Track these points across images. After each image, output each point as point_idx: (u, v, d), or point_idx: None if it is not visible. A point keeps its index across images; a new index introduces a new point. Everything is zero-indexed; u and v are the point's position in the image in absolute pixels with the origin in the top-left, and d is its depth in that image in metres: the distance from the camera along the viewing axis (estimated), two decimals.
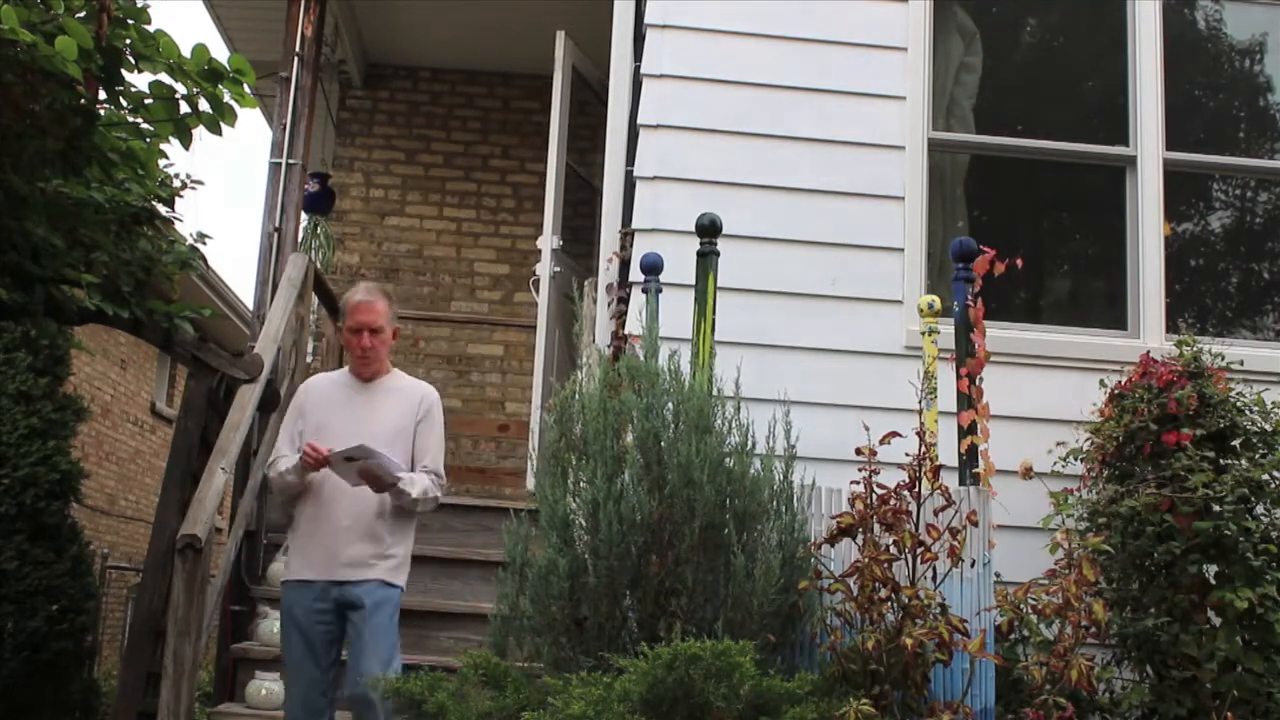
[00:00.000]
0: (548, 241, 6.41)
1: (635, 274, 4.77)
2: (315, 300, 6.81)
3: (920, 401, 4.15)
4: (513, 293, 8.76)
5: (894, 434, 3.85)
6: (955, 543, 3.77)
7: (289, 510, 4.35)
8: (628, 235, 5.20)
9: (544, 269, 6.44)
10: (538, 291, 6.52)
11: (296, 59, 6.13)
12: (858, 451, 3.87)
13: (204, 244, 4.73)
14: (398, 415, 4.28)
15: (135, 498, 12.87)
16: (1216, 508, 4.19)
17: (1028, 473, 4.47)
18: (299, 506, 4.25)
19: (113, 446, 12.29)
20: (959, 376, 4.36)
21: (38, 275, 3.93)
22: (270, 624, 5.02)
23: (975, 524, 3.91)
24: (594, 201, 7.23)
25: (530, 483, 4.91)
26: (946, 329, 4.52)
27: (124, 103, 3.67)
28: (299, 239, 6.36)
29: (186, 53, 3.55)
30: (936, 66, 5.42)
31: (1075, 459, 4.66)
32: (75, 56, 3.17)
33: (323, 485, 4.17)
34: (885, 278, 5.13)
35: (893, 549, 3.76)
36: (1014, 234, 5.78)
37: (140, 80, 3.62)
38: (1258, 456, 4.34)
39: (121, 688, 4.66)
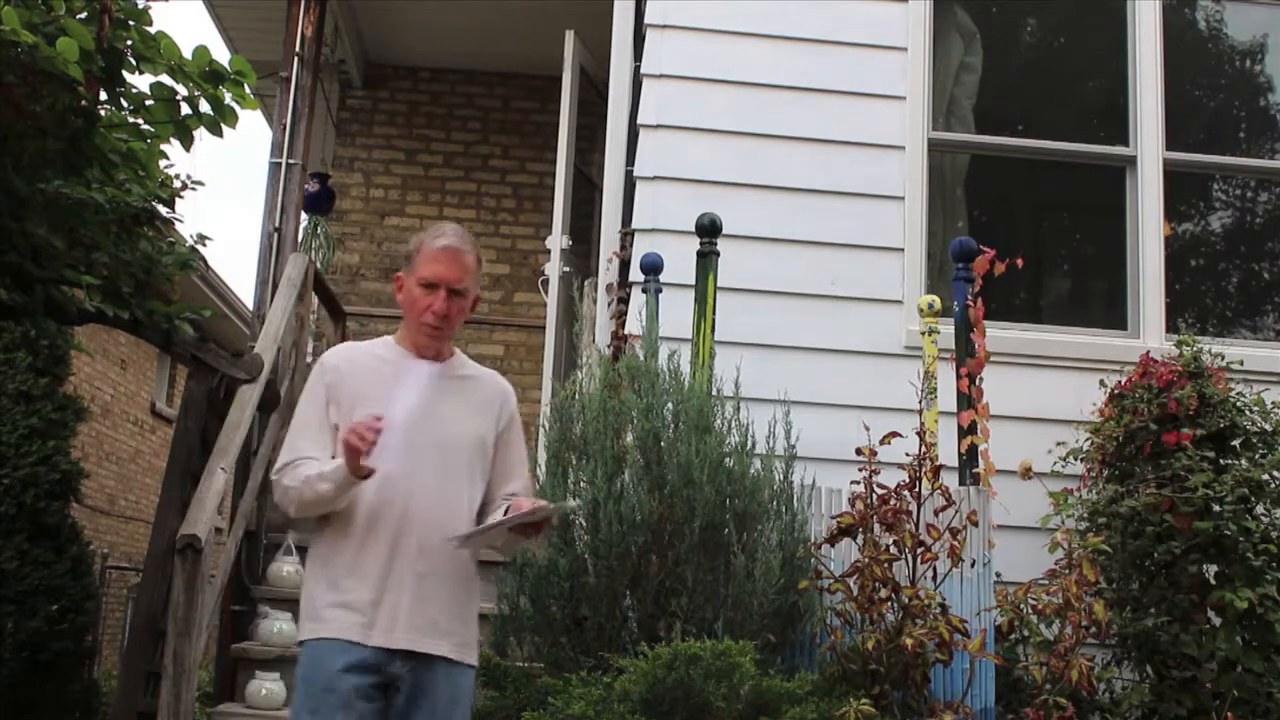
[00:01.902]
0: (557, 241, 6.40)
1: (635, 274, 4.77)
2: (315, 300, 6.81)
3: (920, 401, 4.16)
4: (513, 293, 8.77)
5: (894, 434, 3.86)
6: (955, 543, 3.77)
7: (311, 527, 3.01)
8: (628, 235, 5.20)
9: (553, 269, 6.42)
10: (546, 291, 6.50)
11: (296, 59, 6.13)
12: (858, 451, 3.88)
13: (204, 245, 4.73)
14: (476, 419, 3.04)
15: (135, 498, 12.87)
16: (1216, 508, 4.19)
17: (1027, 473, 4.48)
18: (334, 526, 2.90)
19: (113, 446, 12.29)
20: (959, 376, 4.36)
21: (38, 276, 3.93)
22: (270, 624, 5.02)
23: (975, 524, 3.92)
24: (594, 201, 7.23)
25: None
26: (946, 329, 4.53)
27: (125, 104, 3.67)
28: (299, 239, 6.35)
29: (187, 54, 3.56)
30: (936, 66, 5.42)
31: (1075, 459, 4.66)
32: (76, 58, 3.17)
33: (382, 501, 2.85)
34: (885, 278, 5.13)
35: (893, 549, 3.77)
36: (1014, 234, 5.79)
37: (141, 81, 3.63)
38: (1258, 456, 4.34)
39: (121, 688, 4.65)
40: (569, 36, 6.43)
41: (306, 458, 2.88)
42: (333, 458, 2.86)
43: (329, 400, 2.93)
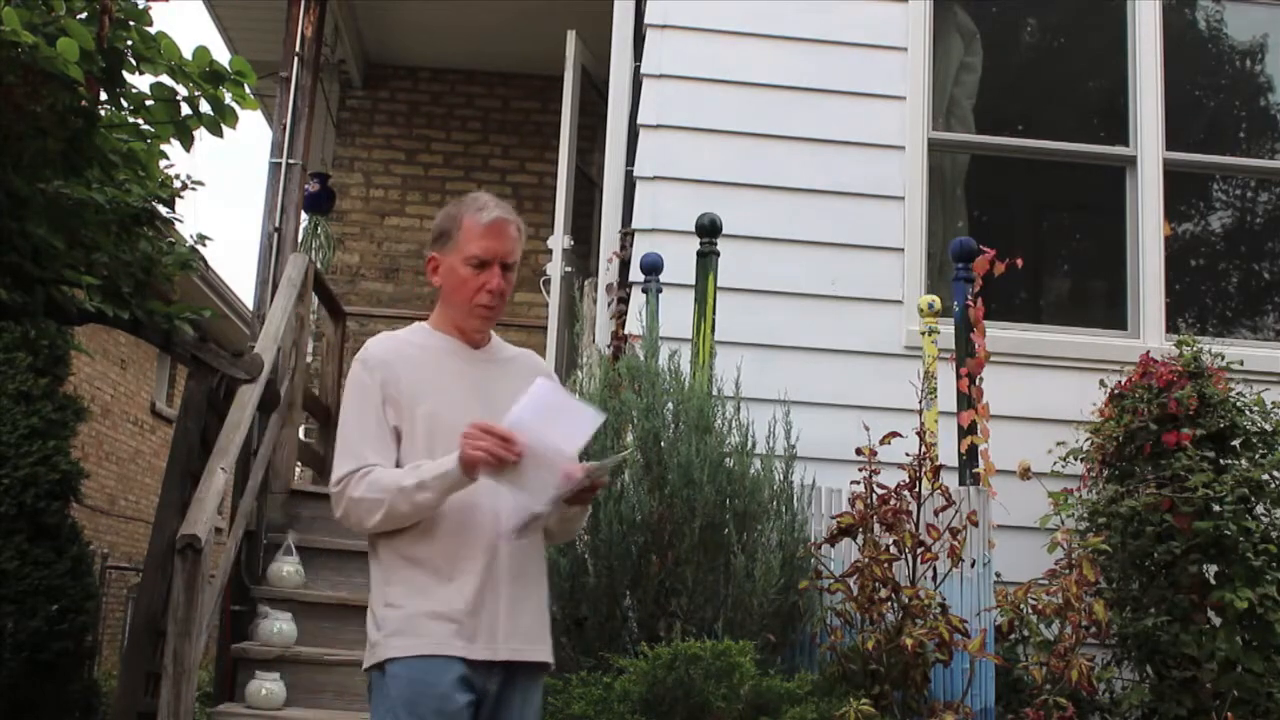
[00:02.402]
0: (559, 241, 6.39)
1: (635, 274, 4.77)
2: (315, 300, 6.81)
3: (920, 401, 4.16)
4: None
5: (894, 434, 3.85)
6: (955, 543, 3.77)
7: (391, 546, 2.63)
8: (628, 235, 5.20)
9: (555, 269, 6.42)
10: (548, 291, 6.50)
11: (296, 59, 6.13)
12: (858, 451, 3.88)
13: (204, 245, 4.73)
14: None
15: (135, 498, 12.87)
16: (1216, 508, 4.19)
17: (1026, 473, 4.48)
18: (415, 531, 2.60)
19: (113, 446, 12.29)
20: (959, 376, 4.37)
21: (38, 276, 3.93)
22: (270, 624, 5.01)
23: (975, 524, 3.92)
24: (594, 201, 7.23)
25: None
26: (946, 329, 4.53)
27: (125, 104, 3.67)
28: (299, 239, 6.35)
29: (188, 54, 3.55)
30: (936, 66, 5.42)
31: (1075, 459, 4.66)
32: (77, 58, 3.17)
33: (471, 504, 2.60)
34: (885, 278, 5.13)
35: (893, 549, 3.77)
36: (1014, 234, 5.79)
37: (141, 82, 3.63)
38: (1258, 456, 4.35)
39: (121, 688, 4.65)
40: (570, 36, 6.43)
41: (374, 465, 2.59)
42: (398, 463, 2.62)
43: (384, 400, 2.65)
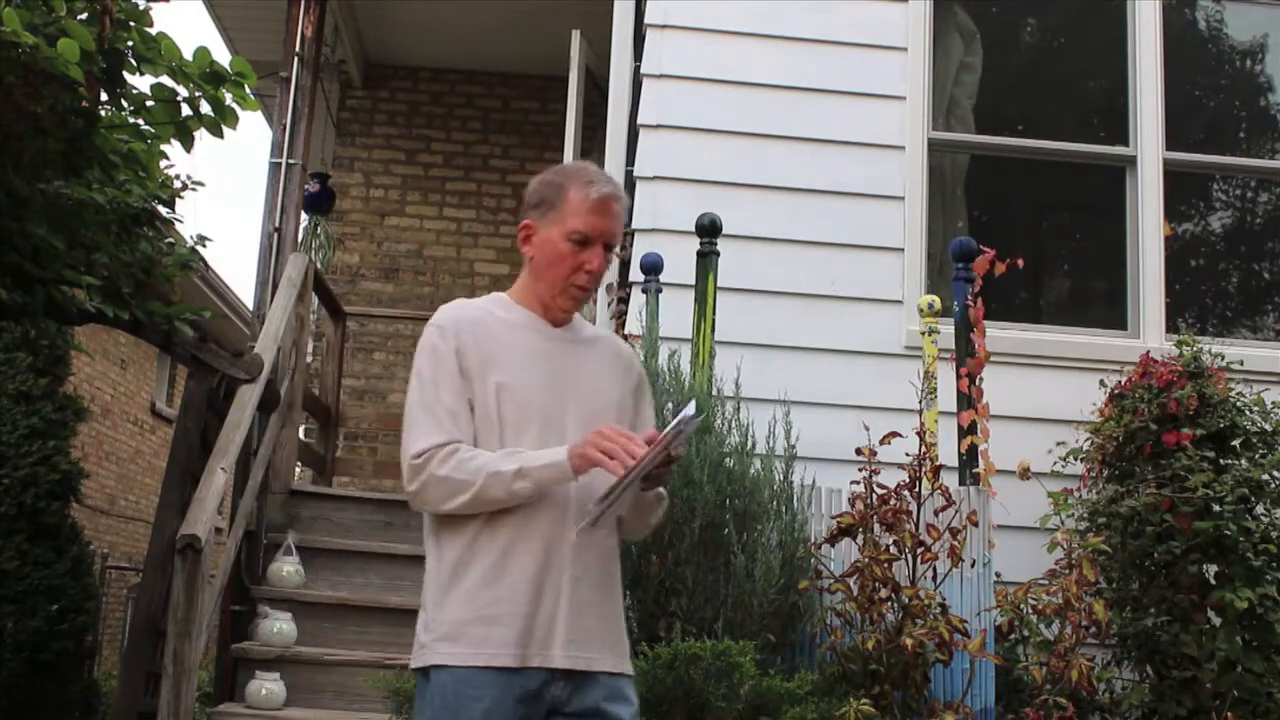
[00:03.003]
0: None
1: (635, 274, 4.77)
2: (315, 300, 6.81)
3: (920, 401, 4.16)
4: None
5: (894, 434, 3.85)
6: (955, 543, 3.77)
7: (433, 521, 2.46)
8: (628, 235, 5.20)
9: None
10: None
11: (296, 59, 6.13)
12: (858, 451, 3.88)
13: (204, 246, 4.74)
14: (614, 382, 2.61)
15: (135, 498, 12.87)
16: (1216, 508, 4.19)
17: (1025, 473, 4.48)
18: (474, 523, 2.39)
19: (113, 446, 12.30)
20: (959, 376, 4.36)
21: (38, 276, 3.93)
22: (270, 624, 5.02)
23: (975, 524, 3.92)
24: None
25: None
26: (946, 329, 4.53)
27: (125, 105, 3.67)
28: (299, 239, 6.35)
29: (188, 55, 3.55)
30: (936, 66, 5.42)
31: (1075, 459, 4.66)
32: (77, 58, 3.17)
33: (541, 495, 2.39)
34: (885, 278, 5.13)
35: (893, 549, 3.77)
36: (1014, 234, 5.79)
37: (142, 82, 3.62)
38: (1258, 456, 4.35)
39: (121, 688, 4.65)
40: (575, 36, 6.43)
41: (458, 442, 2.37)
42: (474, 441, 2.40)
43: (460, 370, 2.42)
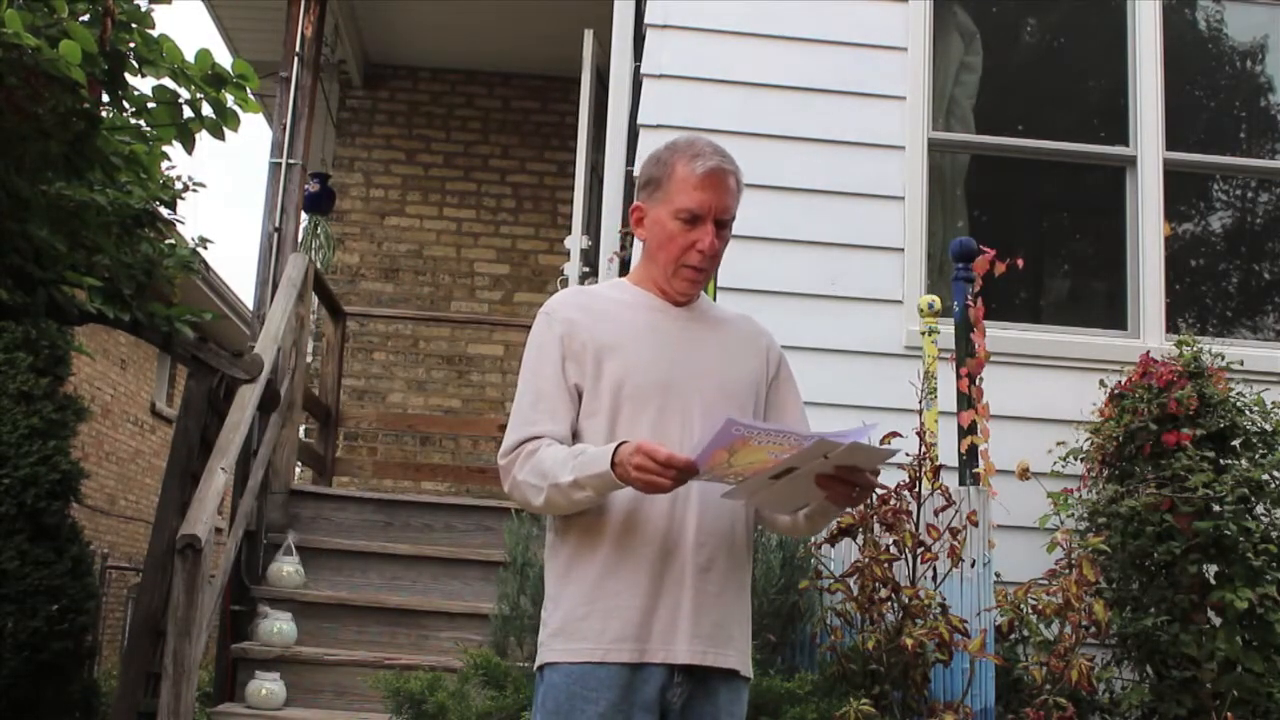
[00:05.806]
0: (576, 242, 6.39)
1: None
2: (315, 300, 6.82)
3: (920, 401, 4.16)
4: (512, 293, 8.78)
5: (894, 434, 3.85)
6: (955, 543, 3.77)
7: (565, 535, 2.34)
8: (628, 235, 5.20)
9: (573, 269, 6.42)
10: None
11: (296, 59, 6.13)
12: None
13: (205, 247, 4.74)
14: (746, 364, 2.50)
15: (135, 498, 12.88)
16: (1216, 508, 4.20)
17: (1025, 473, 4.48)
18: (588, 513, 2.28)
19: (113, 446, 12.30)
20: (959, 376, 4.37)
21: (39, 277, 3.94)
22: (270, 624, 5.02)
23: (975, 524, 3.92)
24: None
25: None
26: (946, 329, 4.53)
27: (127, 106, 3.68)
28: (299, 239, 6.36)
29: (189, 57, 3.56)
30: (936, 66, 5.42)
31: (1075, 459, 4.67)
32: (79, 60, 3.17)
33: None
34: (885, 278, 5.13)
35: (893, 549, 3.77)
36: (1014, 234, 5.79)
37: (143, 84, 3.63)
38: (1258, 456, 4.35)
39: (121, 688, 4.66)
40: (588, 36, 6.43)
41: (541, 435, 2.28)
42: (574, 434, 2.31)
43: (564, 356, 2.32)
